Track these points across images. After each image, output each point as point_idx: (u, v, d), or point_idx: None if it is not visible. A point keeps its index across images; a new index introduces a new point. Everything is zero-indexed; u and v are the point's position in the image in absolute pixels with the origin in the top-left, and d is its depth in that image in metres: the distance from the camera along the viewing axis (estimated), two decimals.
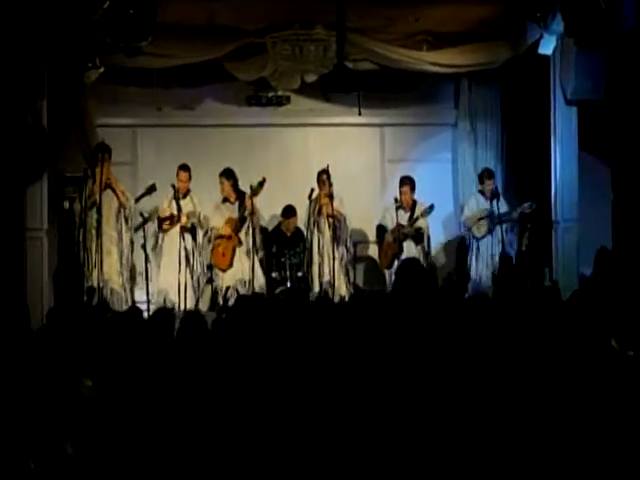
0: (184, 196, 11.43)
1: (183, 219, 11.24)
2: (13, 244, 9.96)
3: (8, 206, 9.88)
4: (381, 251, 12.08)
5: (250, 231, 11.36)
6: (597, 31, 9.58)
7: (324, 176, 11.56)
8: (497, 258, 11.61)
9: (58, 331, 5.75)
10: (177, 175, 11.46)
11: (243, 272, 11.37)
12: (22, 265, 10.14)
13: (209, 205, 11.69)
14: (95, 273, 10.89)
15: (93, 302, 10.60)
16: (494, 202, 11.65)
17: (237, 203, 11.56)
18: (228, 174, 11.58)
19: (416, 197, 11.87)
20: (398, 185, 11.95)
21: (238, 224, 11.44)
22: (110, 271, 11.13)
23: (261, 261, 11.70)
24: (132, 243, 11.40)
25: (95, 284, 10.85)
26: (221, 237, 11.51)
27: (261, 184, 11.23)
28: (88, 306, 10.22)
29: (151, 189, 11.32)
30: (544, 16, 10.41)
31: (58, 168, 11.27)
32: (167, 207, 11.45)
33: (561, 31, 10.31)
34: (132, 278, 11.44)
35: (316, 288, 11.58)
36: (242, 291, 11.04)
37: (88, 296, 10.77)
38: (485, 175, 12.11)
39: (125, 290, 11.29)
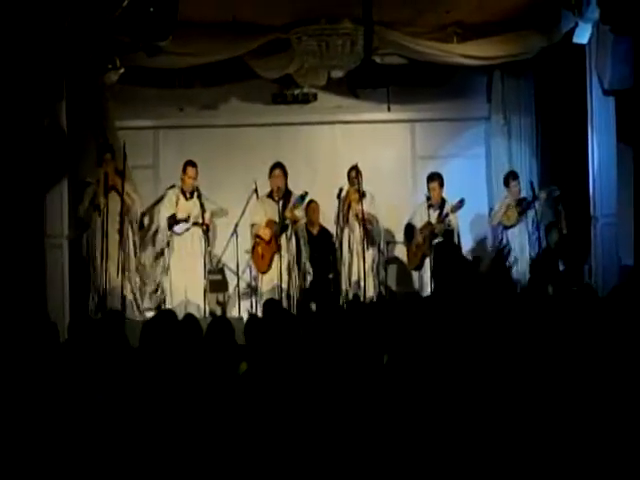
0: (191, 194, 11.17)
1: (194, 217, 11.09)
2: (33, 251, 9.89)
3: (27, 212, 9.78)
4: (410, 251, 11.84)
5: (291, 238, 11.23)
6: (634, 17, 9.35)
7: (353, 173, 11.32)
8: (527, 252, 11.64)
9: (80, 340, 5.61)
10: (184, 171, 11.18)
11: (279, 276, 11.10)
12: (43, 272, 10.08)
13: (237, 206, 11.31)
14: (104, 278, 10.67)
15: (104, 308, 10.47)
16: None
17: (280, 203, 11.22)
18: (282, 166, 11.29)
19: (448, 195, 11.60)
20: (426, 182, 11.75)
21: (278, 229, 11.15)
22: (117, 276, 10.86)
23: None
24: (137, 246, 11.26)
25: (102, 290, 10.71)
26: (260, 238, 11.25)
27: (303, 197, 11.06)
28: (101, 314, 10.19)
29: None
30: (578, 3, 10.23)
31: (78, 173, 11.17)
32: (169, 207, 11.20)
33: (596, 19, 10.07)
34: (142, 283, 11.34)
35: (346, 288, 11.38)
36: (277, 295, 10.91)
37: (98, 303, 10.71)
38: (510, 177, 11.99)
39: (135, 295, 11.13)
